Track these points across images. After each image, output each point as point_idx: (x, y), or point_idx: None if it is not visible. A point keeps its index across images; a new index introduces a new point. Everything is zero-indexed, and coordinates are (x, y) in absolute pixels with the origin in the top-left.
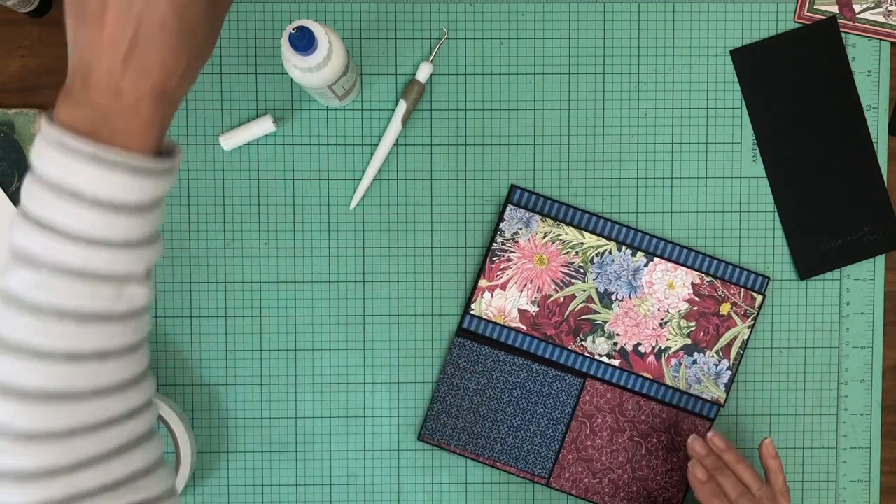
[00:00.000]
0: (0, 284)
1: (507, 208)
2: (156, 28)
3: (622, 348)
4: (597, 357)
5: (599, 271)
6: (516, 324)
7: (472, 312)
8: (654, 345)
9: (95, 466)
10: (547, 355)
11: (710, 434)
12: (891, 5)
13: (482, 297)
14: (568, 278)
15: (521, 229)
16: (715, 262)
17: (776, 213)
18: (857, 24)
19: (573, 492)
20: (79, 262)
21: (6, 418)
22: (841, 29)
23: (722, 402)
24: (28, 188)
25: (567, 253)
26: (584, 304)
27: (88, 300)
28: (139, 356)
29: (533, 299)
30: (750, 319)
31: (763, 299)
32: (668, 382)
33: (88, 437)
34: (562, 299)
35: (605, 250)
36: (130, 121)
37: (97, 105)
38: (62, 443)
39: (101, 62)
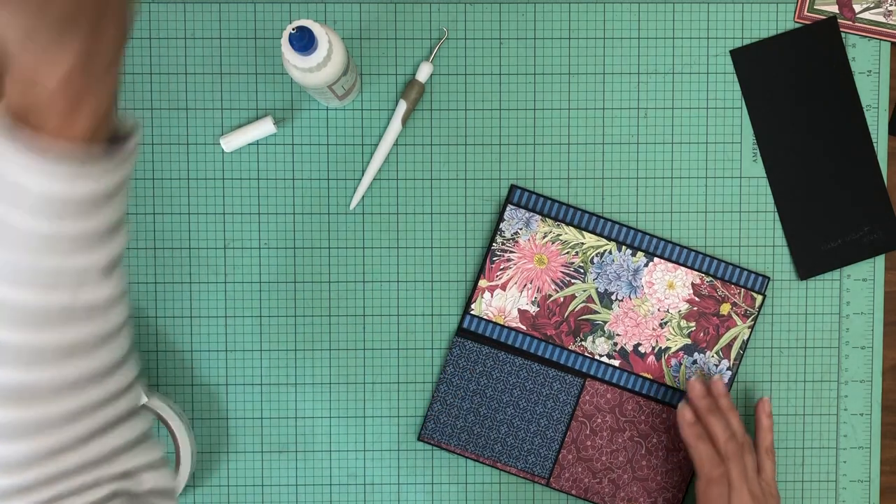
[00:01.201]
0: None
1: (507, 208)
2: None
3: (622, 348)
4: (597, 357)
5: (599, 271)
6: (516, 324)
7: (472, 312)
8: (654, 345)
9: (70, 451)
10: (547, 355)
11: (714, 377)
12: (891, 5)
13: (482, 297)
14: (568, 278)
15: (521, 229)
16: (715, 262)
17: (776, 213)
18: (857, 24)
19: (573, 492)
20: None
21: None
22: (841, 29)
23: None
24: None
25: (567, 253)
26: (584, 304)
27: (42, 297)
28: (113, 346)
29: (533, 299)
30: (750, 319)
31: (763, 299)
32: (669, 382)
33: (61, 427)
34: (562, 299)
35: (605, 250)
36: (51, 106)
37: (19, 89)
38: (35, 438)
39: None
